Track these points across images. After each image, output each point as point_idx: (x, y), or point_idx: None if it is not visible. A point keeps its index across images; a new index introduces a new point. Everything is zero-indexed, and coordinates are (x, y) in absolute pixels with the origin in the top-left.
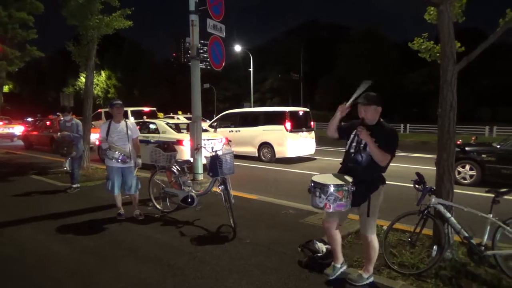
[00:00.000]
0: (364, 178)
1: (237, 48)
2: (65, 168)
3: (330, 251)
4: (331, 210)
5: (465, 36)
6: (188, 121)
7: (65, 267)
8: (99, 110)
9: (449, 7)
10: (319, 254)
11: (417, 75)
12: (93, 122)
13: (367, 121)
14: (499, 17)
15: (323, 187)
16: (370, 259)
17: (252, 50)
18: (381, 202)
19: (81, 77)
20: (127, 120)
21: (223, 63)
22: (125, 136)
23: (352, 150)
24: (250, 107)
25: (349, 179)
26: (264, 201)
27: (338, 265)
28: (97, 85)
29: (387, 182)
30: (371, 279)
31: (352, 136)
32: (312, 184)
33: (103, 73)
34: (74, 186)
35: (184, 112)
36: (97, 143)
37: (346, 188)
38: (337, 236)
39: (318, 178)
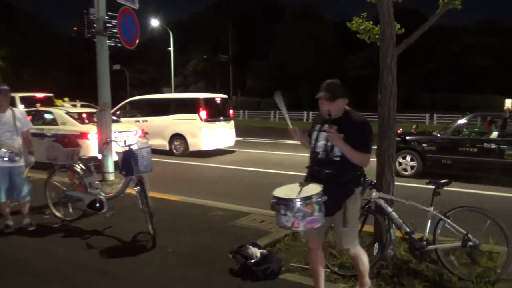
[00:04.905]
0: (336, 183)
1: (155, 23)
2: None
3: (266, 256)
4: (300, 229)
5: (406, 17)
6: (79, 110)
7: None
8: None
9: None
10: (252, 260)
11: (357, 58)
12: None
13: (332, 114)
14: None
15: (287, 203)
16: (360, 273)
17: (173, 26)
18: (359, 209)
19: None
20: (14, 109)
21: (137, 41)
22: (13, 128)
23: (318, 150)
24: (171, 92)
25: (319, 187)
26: (187, 202)
27: None
28: None
29: None
30: None
31: (316, 132)
32: (275, 200)
33: None
34: None
35: (73, 99)
36: None
37: (315, 200)
38: (320, 269)
39: (281, 191)
